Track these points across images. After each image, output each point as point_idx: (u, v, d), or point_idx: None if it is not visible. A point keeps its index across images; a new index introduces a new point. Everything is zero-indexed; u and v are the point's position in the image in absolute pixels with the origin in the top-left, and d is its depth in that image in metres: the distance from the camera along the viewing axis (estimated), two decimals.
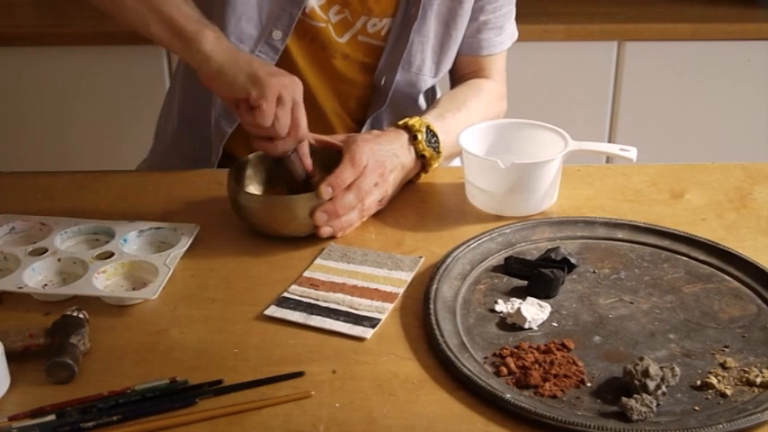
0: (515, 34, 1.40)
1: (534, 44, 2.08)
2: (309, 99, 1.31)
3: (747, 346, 0.88)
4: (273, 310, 0.93)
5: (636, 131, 2.21)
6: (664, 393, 0.80)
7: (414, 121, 1.16)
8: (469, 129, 1.16)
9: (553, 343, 0.87)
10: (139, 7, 1.05)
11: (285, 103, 1.01)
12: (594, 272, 1.00)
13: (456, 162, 1.32)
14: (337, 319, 0.91)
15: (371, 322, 0.91)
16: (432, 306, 0.92)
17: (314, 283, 0.98)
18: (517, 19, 1.41)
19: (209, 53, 1.02)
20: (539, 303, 0.93)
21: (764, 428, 0.77)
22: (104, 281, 0.97)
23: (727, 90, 2.19)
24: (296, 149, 1.07)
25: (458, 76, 1.40)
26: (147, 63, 2.11)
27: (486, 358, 0.86)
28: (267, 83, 1.00)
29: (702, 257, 1.02)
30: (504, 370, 0.84)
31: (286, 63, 1.27)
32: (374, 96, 1.34)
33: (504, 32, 1.37)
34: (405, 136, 1.15)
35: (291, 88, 1.02)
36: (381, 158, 1.10)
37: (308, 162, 1.09)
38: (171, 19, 1.03)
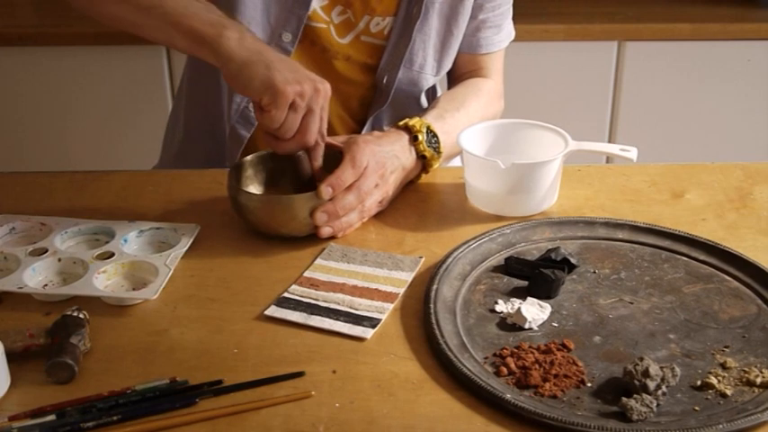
0: (512, 34, 1.41)
1: (534, 44, 2.09)
2: None
3: (747, 347, 0.88)
4: (273, 310, 0.93)
5: (636, 131, 2.21)
6: (664, 393, 0.80)
7: (414, 122, 1.17)
8: (470, 129, 1.16)
9: (553, 343, 0.87)
10: (160, 24, 1.06)
11: (298, 110, 1.01)
12: (595, 272, 1.00)
13: (456, 162, 1.32)
14: (337, 320, 0.91)
15: (372, 322, 0.91)
16: (432, 306, 0.92)
17: (314, 284, 0.98)
18: (517, 19, 1.41)
19: (230, 54, 1.01)
20: (539, 303, 0.93)
21: (764, 429, 0.77)
22: (104, 281, 0.97)
23: (727, 90, 2.19)
24: (307, 150, 1.07)
25: (456, 75, 1.41)
26: (147, 63, 2.11)
27: (486, 358, 0.86)
28: (281, 91, 0.99)
29: (702, 257, 1.02)
30: (505, 370, 0.84)
31: None
32: (376, 95, 1.34)
33: (502, 31, 1.37)
34: (405, 137, 1.15)
35: (309, 95, 1.01)
36: (382, 160, 1.10)
37: (317, 165, 1.08)
38: (191, 28, 1.03)
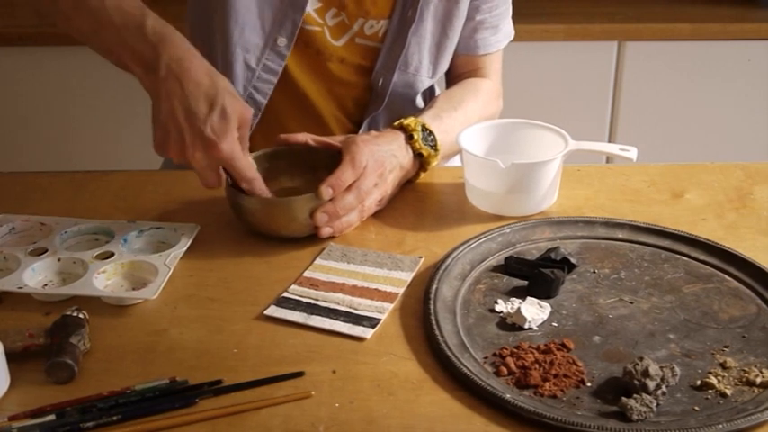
0: (511, 33, 1.41)
1: (534, 44, 2.09)
2: (306, 103, 1.31)
3: (747, 346, 0.88)
4: (273, 310, 0.93)
5: (636, 131, 2.21)
6: (663, 393, 0.80)
7: (409, 121, 1.17)
8: (469, 129, 1.16)
9: (553, 343, 0.87)
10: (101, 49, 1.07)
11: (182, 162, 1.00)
12: (594, 272, 1.00)
13: (455, 162, 1.32)
14: (337, 319, 0.91)
15: (371, 322, 0.91)
16: (432, 306, 0.92)
17: (314, 283, 0.98)
18: (517, 19, 1.41)
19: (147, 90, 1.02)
20: (539, 303, 0.93)
21: (764, 428, 0.77)
22: (104, 281, 0.97)
23: (727, 90, 2.19)
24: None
25: (454, 76, 1.41)
26: None
27: (485, 358, 0.86)
28: (156, 149, 1.00)
29: (702, 257, 1.02)
30: (504, 370, 0.84)
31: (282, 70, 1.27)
32: (371, 98, 1.34)
33: (499, 32, 1.37)
34: (401, 136, 1.15)
35: (181, 159, 0.98)
36: (380, 159, 1.10)
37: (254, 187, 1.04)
38: (125, 66, 1.03)
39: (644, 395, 0.78)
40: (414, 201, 1.17)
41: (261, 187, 1.04)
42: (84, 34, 1.07)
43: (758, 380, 0.82)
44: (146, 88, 1.01)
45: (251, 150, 1.15)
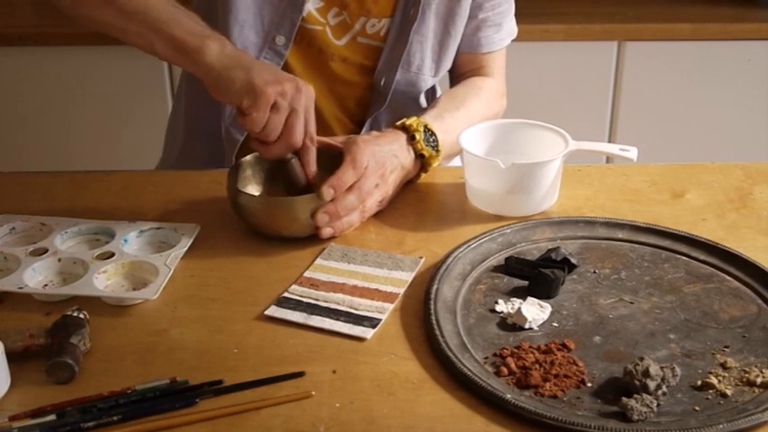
0: (515, 31, 1.40)
1: (534, 44, 2.09)
2: None
3: (748, 346, 0.88)
4: (274, 310, 0.93)
5: (636, 131, 2.21)
6: (664, 393, 0.80)
7: (411, 122, 1.17)
8: (470, 129, 1.16)
9: (553, 343, 0.87)
10: (142, 30, 1.05)
11: (280, 110, 0.99)
12: (595, 272, 1.00)
13: (456, 162, 1.32)
14: (338, 320, 0.91)
15: (372, 322, 0.91)
16: (432, 306, 0.92)
17: (314, 284, 0.98)
18: (517, 18, 1.41)
19: (210, 63, 1.01)
20: (539, 303, 0.93)
21: (765, 428, 0.77)
22: (105, 281, 0.97)
23: (727, 90, 2.19)
24: (297, 155, 1.06)
25: (457, 74, 1.41)
26: (147, 63, 2.11)
27: (486, 358, 0.86)
28: (260, 91, 0.97)
29: (703, 257, 1.02)
30: (505, 370, 0.84)
31: (283, 68, 1.27)
32: (373, 97, 1.34)
33: (502, 30, 1.37)
34: (403, 136, 1.15)
35: (291, 95, 1.00)
36: (382, 159, 1.10)
37: (311, 170, 1.07)
38: (172, 36, 1.03)
39: (644, 395, 0.79)
40: (414, 201, 1.17)
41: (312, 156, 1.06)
42: (123, 14, 1.07)
43: (759, 380, 0.82)
44: (200, 59, 1.01)
45: (250, 152, 1.16)
